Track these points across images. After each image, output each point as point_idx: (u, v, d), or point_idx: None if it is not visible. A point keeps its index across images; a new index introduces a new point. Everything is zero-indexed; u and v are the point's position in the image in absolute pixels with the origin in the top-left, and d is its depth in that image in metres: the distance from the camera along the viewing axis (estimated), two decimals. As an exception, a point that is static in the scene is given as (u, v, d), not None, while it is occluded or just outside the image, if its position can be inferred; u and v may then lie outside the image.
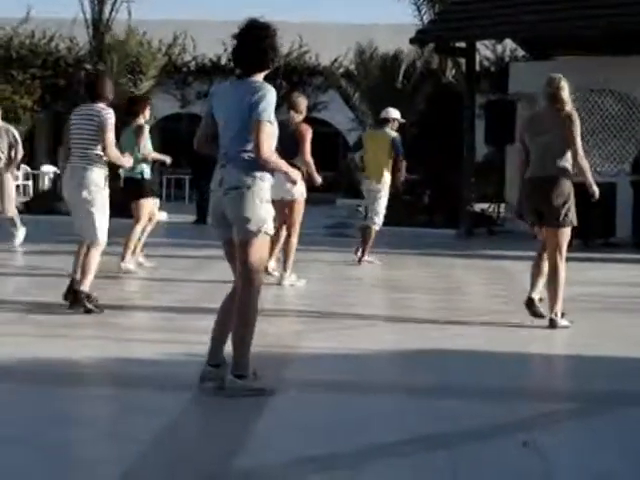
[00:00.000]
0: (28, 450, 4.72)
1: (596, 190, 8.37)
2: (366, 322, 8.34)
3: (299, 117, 10.64)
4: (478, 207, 18.82)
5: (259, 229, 5.78)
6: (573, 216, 8.26)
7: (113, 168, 9.18)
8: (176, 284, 10.54)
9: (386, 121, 13.22)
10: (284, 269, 10.41)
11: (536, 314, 8.34)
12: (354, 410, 5.64)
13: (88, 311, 8.35)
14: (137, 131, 11.36)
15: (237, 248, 5.85)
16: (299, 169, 9.50)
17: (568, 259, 8.40)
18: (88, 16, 25.32)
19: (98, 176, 8.61)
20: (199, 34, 30.92)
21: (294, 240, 10.55)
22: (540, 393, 6.28)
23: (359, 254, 12.72)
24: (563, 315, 8.21)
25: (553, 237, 8.26)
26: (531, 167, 8.39)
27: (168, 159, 12.27)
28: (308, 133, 10.45)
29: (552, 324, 8.13)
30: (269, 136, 5.77)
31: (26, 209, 21.53)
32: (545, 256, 8.39)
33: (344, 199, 24.45)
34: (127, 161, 9.22)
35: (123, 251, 11.07)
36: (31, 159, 29.47)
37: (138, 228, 11.27)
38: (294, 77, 31.22)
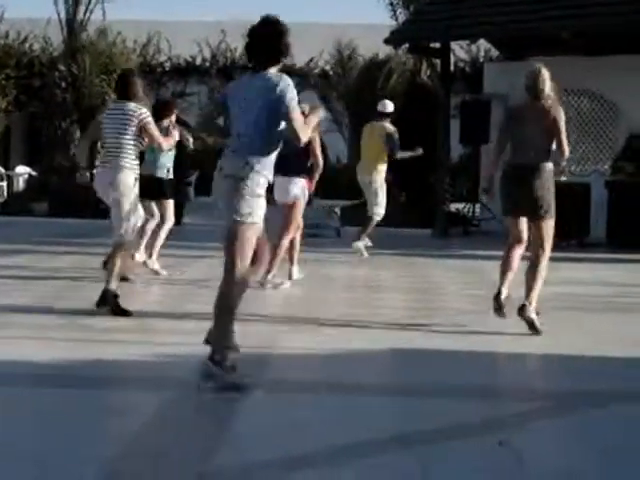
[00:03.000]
0: (7, 450, 4.73)
1: (564, 163, 8.34)
2: (343, 322, 8.36)
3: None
4: (453, 207, 18.87)
5: (244, 220, 5.97)
6: (553, 209, 8.19)
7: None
8: (154, 284, 10.54)
9: (384, 115, 13.31)
10: (290, 263, 10.59)
11: (499, 309, 8.08)
12: (332, 409, 5.67)
13: (117, 312, 8.37)
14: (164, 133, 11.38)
15: (228, 232, 6.06)
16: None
17: (550, 258, 8.40)
18: (62, 16, 25.21)
19: (128, 177, 8.66)
20: (174, 34, 30.88)
21: (292, 238, 10.60)
22: (515, 392, 6.33)
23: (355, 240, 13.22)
24: (538, 314, 8.19)
25: (537, 230, 8.18)
26: (511, 156, 8.30)
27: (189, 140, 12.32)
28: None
29: (522, 310, 7.91)
30: (303, 122, 6.09)
31: (0, 210, 21.47)
32: (515, 249, 8.22)
33: (320, 200, 24.45)
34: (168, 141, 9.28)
35: (150, 251, 11.08)
36: (6, 160, 29.34)
37: (166, 228, 11.26)
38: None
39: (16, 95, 27.65)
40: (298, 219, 10.59)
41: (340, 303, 9.51)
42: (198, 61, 32.36)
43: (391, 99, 14.75)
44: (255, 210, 6.04)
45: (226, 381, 5.87)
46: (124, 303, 8.60)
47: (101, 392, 6.11)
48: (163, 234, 11.26)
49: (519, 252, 8.31)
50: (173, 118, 11.77)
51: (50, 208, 21.10)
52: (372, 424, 5.35)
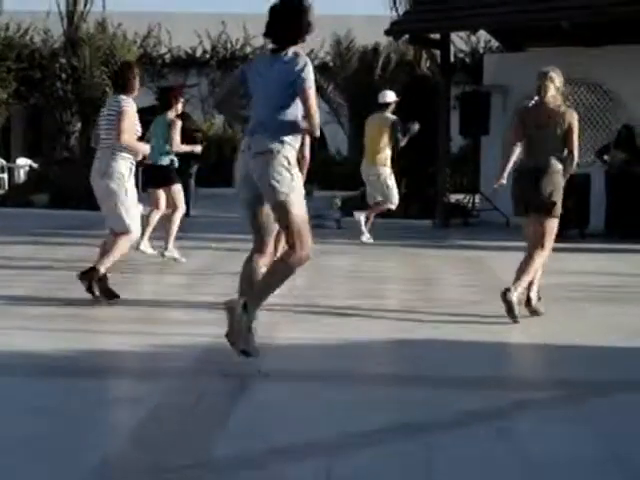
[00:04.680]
0: (6, 441, 4.75)
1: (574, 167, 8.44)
2: (343, 312, 8.38)
3: None
4: (453, 198, 18.89)
5: (288, 192, 6.03)
6: (559, 208, 8.28)
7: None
8: (156, 275, 10.57)
9: (385, 105, 13.34)
10: None
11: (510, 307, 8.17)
12: (331, 400, 5.68)
13: (90, 291, 8.38)
14: (171, 125, 11.42)
15: (273, 212, 6.14)
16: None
17: (553, 249, 8.48)
18: (62, 8, 25.21)
19: (121, 166, 8.63)
20: (174, 26, 30.88)
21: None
22: (515, 382, 6.34)
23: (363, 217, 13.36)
24: (540, 300, 8.25)
25: (540, 227, 8.26)
26: (524, 157, 8.42)
27: (198, 148, 12.30)
28: None
29: (505, 294, 7.90)
30: (316, 108, 6.10)
31: (1, 202, 21.49)
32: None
33: (320, 190, 24.51)
34: (144, 148, 9.13)
35: (165, 241, 11.14)
36: (6, 152, 29.36)
37: (178, 215, 11.30)
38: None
39: (17, 87, 27.67)
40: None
41: (341, 293, 9.53)
42: (198, 53, 32.38)
43: (390, 89, 14.79)
44: (295, 179, 6.10)
45: (248, 336, 6.03)
46: (124, 293, 8.62)
47: (101, 383, 6.12)
48: (176, 221, 11.28)
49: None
50: (179, 107, 11.75)
51: (51, 200, 21.12)
52: (374, 414, 5.36)
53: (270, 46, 6.28)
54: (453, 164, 19.57)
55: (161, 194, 11.38)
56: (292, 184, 6.09)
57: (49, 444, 4.74)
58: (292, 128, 6.15)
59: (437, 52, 18.46)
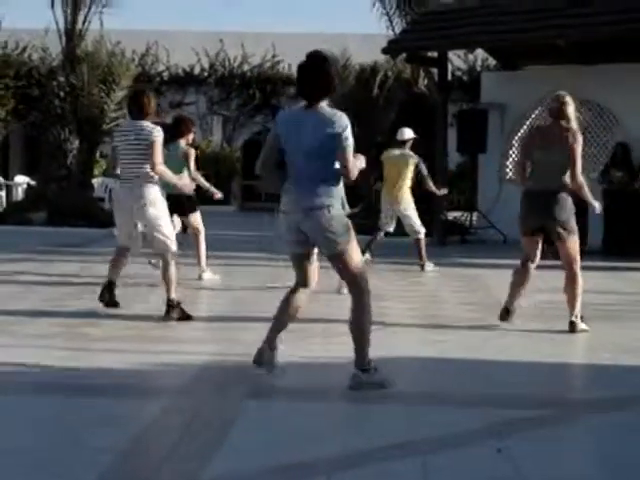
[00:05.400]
0: (6, 458, 4.74)
1: (597, 205, 8.61)
2: (341, 330, 8.37)
3: None
4: (451, 215, 18.91)
5: (343, 243, 6.27)
6: (574, 225, 8.60)
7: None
8: (154, 293, 10.56)
9: (403, 142, 13.41)
10: None
11: (506, 319, 8.57)
12: (327, 417, 5.69)
13: (182, 318, 8.68)
14: (187, 155, 11.66)
15: (331, 262, 6.41)
16: None
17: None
18: (61, 26, 25.25)
19: (156, 191, 8.91)
20: (172, 44, 30.95)
21: None
22: (514, 400, 6.33)
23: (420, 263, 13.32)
24: (582, 319, 8.46)
25: (563, 248, 8.52)
26: (531, 180, 8.55)
27: (219, 194, 12.53)
28: None
29: (572, 327, 8.34)
30: (354, 160, 6.25)
31: (-1, 220, 21.50)
32: (529, 265, 8.58)
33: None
34: (183, 181, 9.40)
35: (199, 263, 11.71)
36: (4, 170, 29.38)
37: (202, 237, 11.84)
38: (268, 87, 31.29)
39: (15, 105, 27.70)
40: None
41: (340, 311, 9.50)
42: (196, 71, 32.44)
43: (388, 106, 14.81)
44: (351, 229, 6.33)
45: (373, 380, 6.28)
46: (121, 311, 8.63)
47: (97, 400, 6.11)
48: (202, 243, 11.83)
49: (532, 268, 8.66)
50: (190, 137, 11.93)
51: (48, 217, 21.13)
52: (375, 432, 5.36)
53: (302, 103, 6.39)
54: (450, 182, 19.58)
55: (197, 217, 11.91)
56: (348, 233, 6.30)
57: (44, 460, 4.74)
58: (336, 178, 6.27)
59: (434, 70, 18.52)
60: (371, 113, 14.44)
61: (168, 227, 9.00)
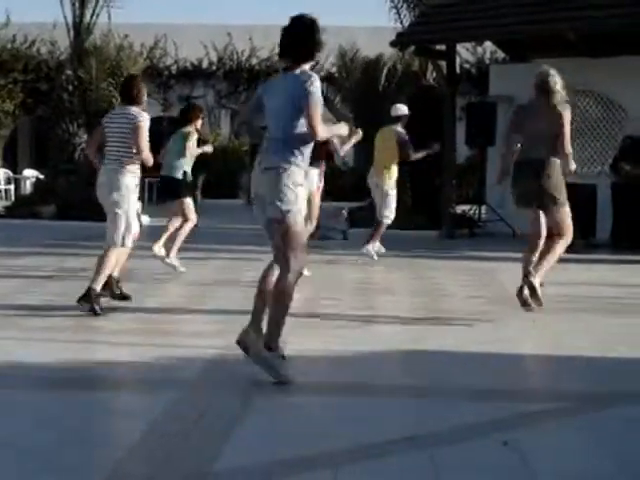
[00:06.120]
0: (9, 453, 4.75)
1: (573, 166, 8.62)
2: (349, 324, 8.38)
3: None
4: (459, 209, 18.88)
5: (289, 209, 6.09)
6: (564, 197, 8.56)
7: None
8: (162, 286, 10.57)
9: (397, 118, 13.32)
10: None
11: (525, 303, 8.58)
12: (335, 412, 5.68)
13: (93, 310, 8.45)
14: (187, 135, 11.61)
15: (270, 228, 6.22)
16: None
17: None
18: (69, 20, 25.25)
19: (130, 179, 8.73)
20: (180, 38, 30.94)
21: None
22: (522, 393, 6.33)
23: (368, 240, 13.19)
24: (542, 285, 8.59)
25: (553, 219, 8.59)
26: (520, 152, 8.77)
27: (209, 147, 12.45)
28: None
29: (526, 277, 8.45)
30: (320, 117, 6.16)
31: (8, 213, 21.53)
32: (538, 243, 8.63)
33: (324, 202, 24.53)
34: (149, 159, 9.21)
35: (169, 249, 11.39)
36: (13, 164, 29.42)
37: (188, 226, 11.55)
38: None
39: (23, 99, 27.74)
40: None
41: (350, 304, 9.51)
42: (205, 64, 32.42)
43: (396, 99, 14.76)
44: (298, 200, 6.15)
45: (274, 365, 6.13)
46: (128, 305, 8.63)
47: (104, 395, 6.12)
48: (184, 232, 11.52)
49: (540, 241, 8.71)
50: (199, 123, 11.93)
51: (57, 211, 21.15)
52: (383, 425, 5.35)
53: (283, 65, 6.40)
54: (459, 175, 19.54)
55: (187, 203, 11.59)
56: (294, 202, 6.14)
57: (51, 456, 4.74)
58: (300, 141, 6.20)
59: (443, 63, 18.47)
60: (378, 107, 14.38)
61: (123, 219, 8.70)
